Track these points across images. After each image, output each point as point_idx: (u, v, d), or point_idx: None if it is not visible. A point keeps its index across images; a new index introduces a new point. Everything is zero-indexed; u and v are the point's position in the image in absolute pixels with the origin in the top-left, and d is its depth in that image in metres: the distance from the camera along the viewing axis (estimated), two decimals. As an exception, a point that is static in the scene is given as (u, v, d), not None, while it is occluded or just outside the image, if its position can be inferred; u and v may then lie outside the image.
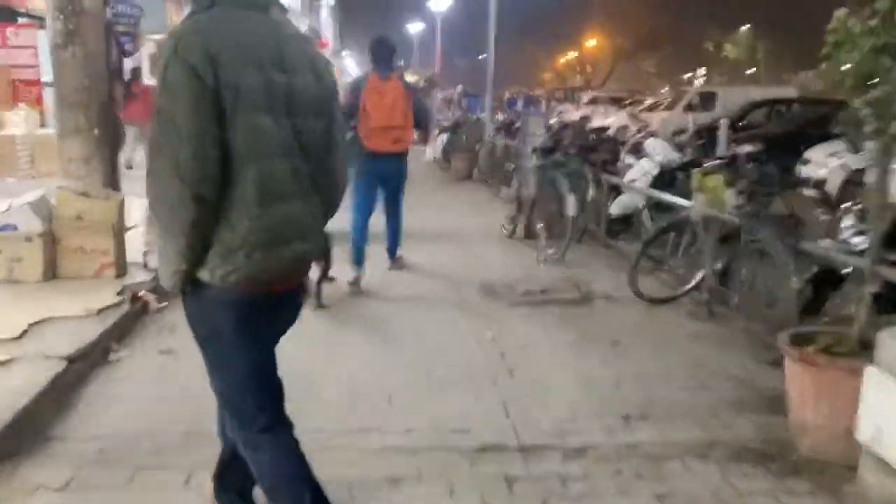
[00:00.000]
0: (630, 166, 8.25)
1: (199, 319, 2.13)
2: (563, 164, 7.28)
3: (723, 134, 13.36)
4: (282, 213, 2.01)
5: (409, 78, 12.83)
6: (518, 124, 17.00)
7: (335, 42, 30.29)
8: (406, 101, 5.66)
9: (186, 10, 2.11)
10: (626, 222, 8.00)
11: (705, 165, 6.18)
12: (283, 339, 2.31)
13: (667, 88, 61.90)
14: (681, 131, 16.83)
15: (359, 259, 5.80)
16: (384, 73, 5.63)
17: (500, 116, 20.57)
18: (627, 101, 28.32)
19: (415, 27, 32.91)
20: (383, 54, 5.72)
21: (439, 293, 5.90)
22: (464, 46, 44.56)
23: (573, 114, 28.74)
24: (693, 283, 5.67)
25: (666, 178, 7.68)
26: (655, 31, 51.47)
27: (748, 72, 67.17)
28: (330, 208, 2.30)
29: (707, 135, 14.46)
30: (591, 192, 7.25)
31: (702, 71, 71.50)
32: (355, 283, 5.71)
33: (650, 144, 8.12)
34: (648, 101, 29.76)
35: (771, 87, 22.64)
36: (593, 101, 30.27)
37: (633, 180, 7.78)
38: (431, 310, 5.43)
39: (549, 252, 6.94)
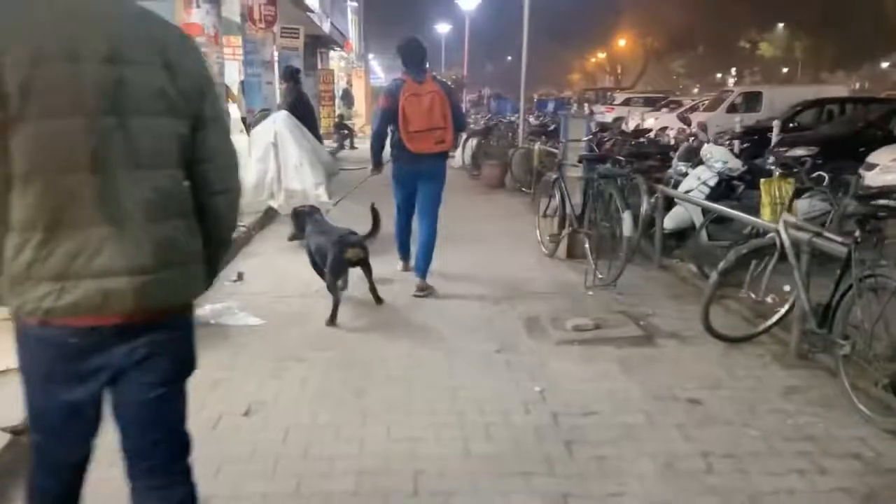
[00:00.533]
0: (683, 174, 7.36)
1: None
2: (614, 176, 6.38)
3: (775, 136, 12.30)
4: (73, 243, 1.66)
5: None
6: (552, 127, 16.24)
7: (359, 44, 29.51)
8: (444, 101, 5.53)
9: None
10: (680, 238, 7.12)
11: (778, 174, 5.27)
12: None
13: (697, 88, 60.92)
14: (724, 134, 16.02)
15: (405, 253, 6.29)
16: (418, 76, 5.53)
17: (531, 119, 19.73)
18: (663, 102, 27.25)
19: (442, 28, 32.12)
20: (415, 57, 5.62)
21: (474, 324, 5.08)
22: (490, 49, 43.72)
23: (606, 115, 27.96)
24: (776, 317, 4.76)
25: (723, 188, 6.81)
26: (688, 31, 50.45)
27: (784, 70, 65.92)
28: (211, 232, 1.89)
29: (754, 137, 13.55)
30: (644, 206, 6.34)
31: (733, 71, 70.40)
32: (405, 270, 6.21)
33: (708, 150, 7.19)
34: (687, 102, 28.80)
35: (820, 86, 21.44)
36: (627, 102, 29.21)
37: (689, 191, 6.88)
38: (467, 349, 4.60)
39: (599, 277, 6.06)
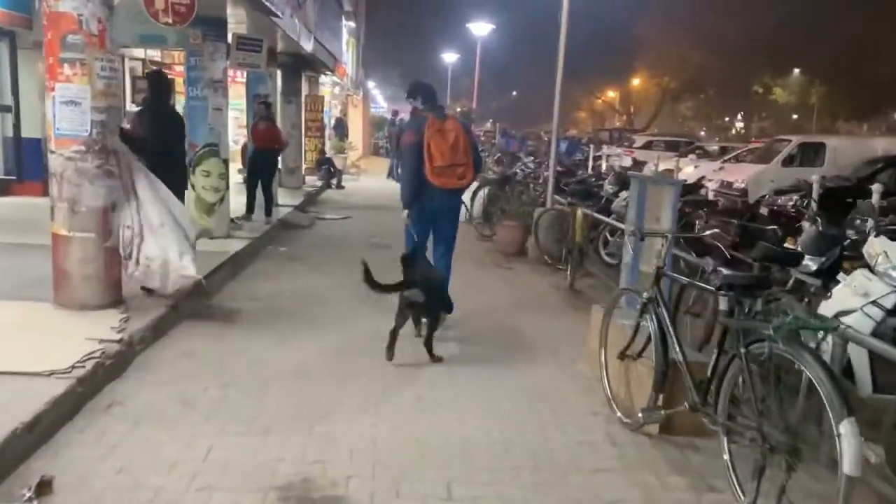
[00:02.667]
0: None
1: None
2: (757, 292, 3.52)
3: (875, 202, 9.34)
4: None
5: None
6: (581, 174, 13.51)
7: (356, 70, 26.89)
8: (466, 138, 5.62)
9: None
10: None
11: None
12: None
13: (704, 132, 58.82)
14: (782, 192, 13.25)
15: None
16: (440, 114, 5.68)
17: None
18: (689, 147, 24.64)
19: (449, 57, 29.61)
20: (432, 97, 5.87)
21: None
22: (495, 83, 41.23)
23: (625, 159, 25.32)
24: None
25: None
26: (704, 72, 48.47)
27: (793, 117, 64.35)
28: None
29: (829, 199, 10.84)
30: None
31: (739, 115, 68.65)
32: None
33: (878, 247, 4.35)
34: (713, 147, 26.17)
35: (888, 138, 18.75)
36: (648, 146, 26.59)
37: (844, 312, 4.03)
38: None
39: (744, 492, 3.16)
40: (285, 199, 12.62)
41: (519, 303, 6.89)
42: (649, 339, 3.82)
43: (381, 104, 44.44)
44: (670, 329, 3.67)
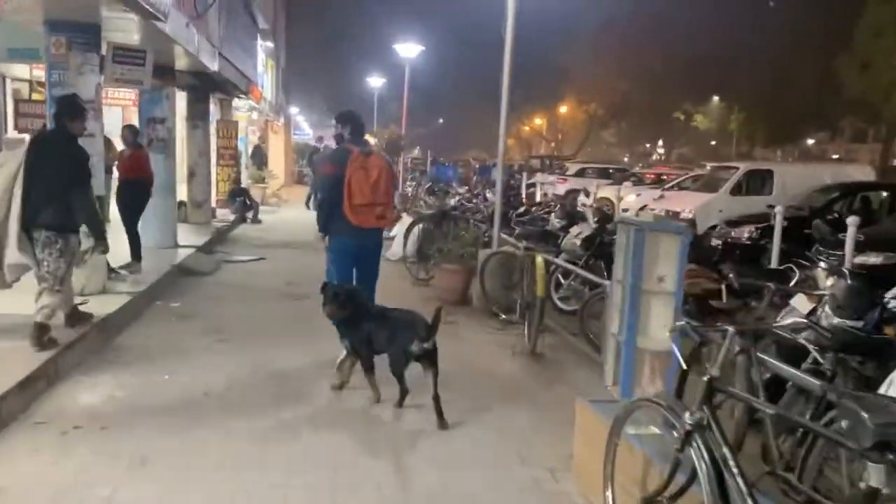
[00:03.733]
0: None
1: None
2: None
3: (850, 237, 8.42)
4: None
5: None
6: (523, 209, 12.33)
7: (276, 94, 25.24)
8: (389, 177, 5.48)
9: None
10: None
11: None
12: None
13: (627, 158, 59.39)
14: (734, 223, 12.44)
15: None
16: (365, 147, 5.49)
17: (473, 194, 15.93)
18: (624, 175, 23.97)
19: (376, 82, 28.26)
20: (362, 130, 5.65)
21: None
22: (424, 108, 40.07)
23: (558, 187, 24.47)
24: None
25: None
26: (628, 99, 48.89)
27: (712, 143, 66.08)
28: None
29: (796, 232, 10.00)
30: None
31: (660, 142, 70.10)
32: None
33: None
34: (647, 175, 25.62)
35: (835, 165, 18.37)
36: (581, 174, 25.84)
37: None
38: None
39: None
40: (188, 238, 10.93)
41: (467, 374, 5.49)
42: (691, 478, 2.49)
43: (307, 131, 42.68)
44: (734, 467, 2.33)
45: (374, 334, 4.69)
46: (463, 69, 46.96)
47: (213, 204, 15.75)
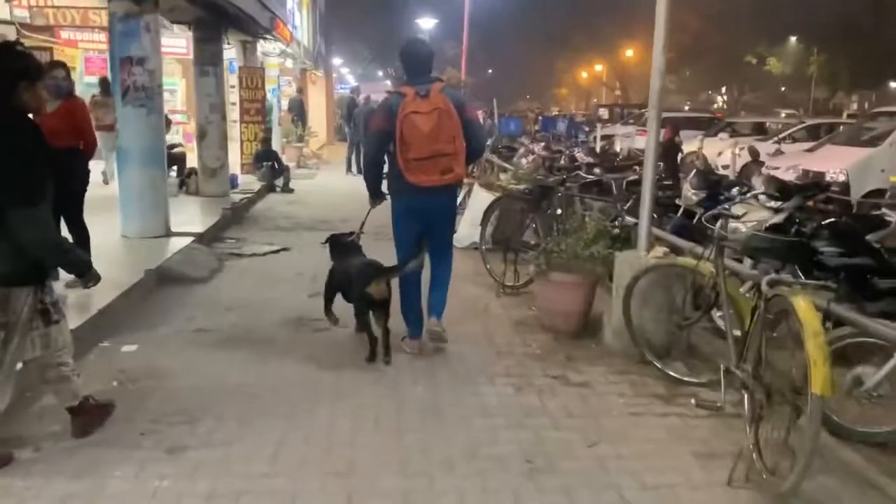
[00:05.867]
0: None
1: None
2: None
3: None
4: None
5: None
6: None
7: (314, 40, 22.24)
8: (453, 120, 4.25)
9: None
10: None
11: None
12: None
13: (687, 106, 55.17)
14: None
15: (417, 327, 4.68)
16: (422, 87, 4.26)
17: (537, 148, 12.85)
18: (722, 126, 20.44)
19: (426, 23, 25.03)
20: (418, 63, 4.42)
21: None
22: (480, 50, 36.18)
23: (638, 140, 21.09)
24: None
25: None
26: (701, 41, 44.56)
27: (782, 89, 61.57)
28: None
29: None
30: None
31: (723, 89, 65.52)
32: (415, 350, 4.61)
33: None
34: (743, 125, 21.91)
35: None
36: (664, 124, 22.34)
37: None
38: None
39: None
40: (189, 221, 8.22)
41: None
42: None
43: (351, 84, 39.72)
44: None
45: (340, 278, 4.73)
46: (522, 6, 43.04)
47: (238, 170, 13.09)
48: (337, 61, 37.50)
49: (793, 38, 52.28)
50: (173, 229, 7.53)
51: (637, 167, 9.42)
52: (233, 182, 11.40)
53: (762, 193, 5.19)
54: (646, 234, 4.59)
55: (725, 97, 68.40)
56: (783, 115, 30.41)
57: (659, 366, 4.25)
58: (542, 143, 13.49)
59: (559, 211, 5.87)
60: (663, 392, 4.06)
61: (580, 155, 10.67)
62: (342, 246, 4.92)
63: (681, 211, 6.54)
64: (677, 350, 4.45)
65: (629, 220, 5.27)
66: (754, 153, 13.63)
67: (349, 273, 4.59)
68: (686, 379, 4.12)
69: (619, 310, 4.50)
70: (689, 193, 6.59)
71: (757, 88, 61.90)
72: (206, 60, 10.44)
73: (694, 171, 8.34)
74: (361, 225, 5.02)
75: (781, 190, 5.54)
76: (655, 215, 5.44)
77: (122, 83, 7.10)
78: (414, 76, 4.40)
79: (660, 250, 4.55)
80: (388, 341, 4.44)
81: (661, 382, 4.18)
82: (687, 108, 44.38)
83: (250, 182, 12.39)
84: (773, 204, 5.40)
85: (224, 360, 4.41)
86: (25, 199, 2.89)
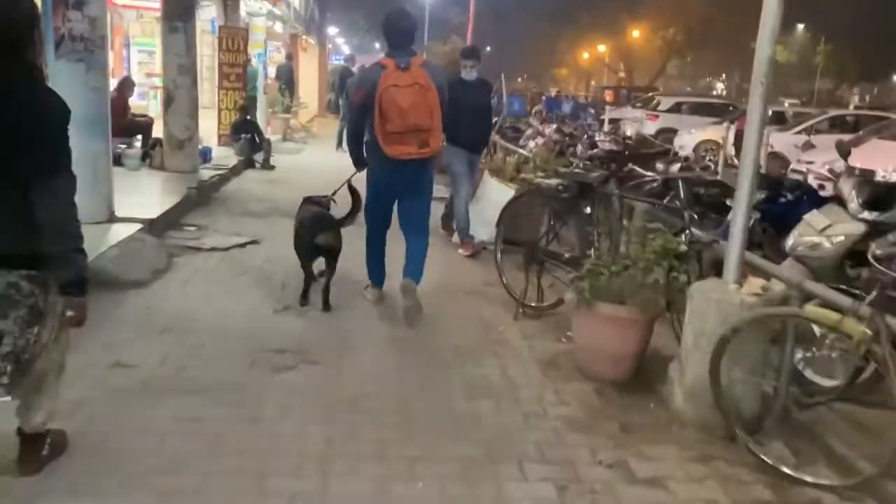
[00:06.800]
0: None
1: None
2: None
3: None
4: None
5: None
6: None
7: (304, 4, 20.66)
8: (432, 93, 4.31)
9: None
10: None
11: None
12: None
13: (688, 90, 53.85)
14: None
15: (378, 278, 4.94)
16: (402, 60, 4.29)
17: (545, 129, 11.71)
18: (740, 112, 19.15)
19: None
20: (399, 35, 4.44)
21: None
22: (493, 21, 34.03)
23: (647, 125, 19.79)
24: None
25: None
26: (707, 25, 43.12)
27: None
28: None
29: None
30: None
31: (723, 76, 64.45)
32: (375, 300, 4.91)
33: None
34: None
35: None
36: (677, 109, 21.07)
37: None
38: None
39: None
40: (141, 202, 6.85)
41: None
42: None
43: (343, 53, 38.00)
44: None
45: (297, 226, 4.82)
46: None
47: (214, 142, 11.72)
48: (332, 31, 35.81)
49: (800, 26, 51.12)
50: (119, 214, 6.17)
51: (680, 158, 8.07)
52: (205, 155, 10.02)
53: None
54: (737, 259, 3.30)
55: (725, 84, 67.28)
56: (786, 104, 29.39)
57: (758, 453, 2.99)
58: (553, 125, 12.15)
59: (603, 214, 4.55)
60: (771, 499, 2.80)
61: (603, 140, 9.36)
62: (311, 204, 5.04)
63: (731, 213, 5.29)
64: (771, 421, 3.20)
65: (700, 234, 3.98)
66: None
67: (303, 223, 4.75)
68: (807, 479, 2.86)
69: (697, 365, 3.23)
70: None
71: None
72: (175, 15, 8.99)
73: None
74: (335, 192, 5.13)
75: (880, 196, 4.33)
76: (695, 216, 4.19)
77: (56, 31, 5.70)
78: (395, 48, 4.39)
79: (755, 283, 3.28)
80: (327, 294, 4.66)
81: (762, 478, 2.92)
82: (688, 91, 43.12)
83: (226, 156, 11.00)
84: (866, 214, 4.20)
85: (139, 421, 3.10)
86: (60, 161, 2.36)
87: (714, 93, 61.48)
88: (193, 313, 4.47)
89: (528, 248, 4.75)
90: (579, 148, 9.66)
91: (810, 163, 11.66)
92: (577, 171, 4.40)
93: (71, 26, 5.73)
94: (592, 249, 4.35)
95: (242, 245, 6.27)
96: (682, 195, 4.10)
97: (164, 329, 4.16)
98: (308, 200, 5.08)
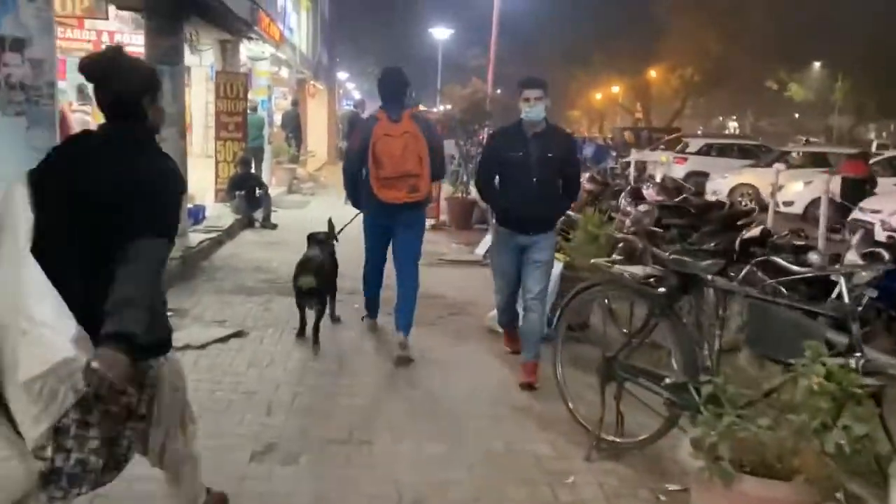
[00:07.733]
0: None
1: None
2: None
3: None
4: None
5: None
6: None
7: (314, 46, 19.76)
8: (420, 144, 4.71)
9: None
10: None
11: None
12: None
13: (700, 131, 52.94)
14: None
15: (373, 310, 5.49)
16: (394, 113, 4.79)
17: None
18: (777, 156, 17.91)
19: (441, 33, 22.66)
20: (392, 91, 4.92)
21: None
22: (515, 58, 33.13)
23: (675, 169, 18.54)
24: None
25: None
26: (722, 65, 42.25)
27: (795, 116, 60.25)
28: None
29: None
30: None
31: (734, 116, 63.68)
32: (371, 328, 5.47)
33: None
34: (795, 154, 19.27)
35: None
36: (706, 151, 19.87)
37: None
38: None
39: None
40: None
41: None
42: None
43: (354, 98, 37.33)
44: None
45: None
46: (528, 26, 40.44)
47: (211, 199, 10.59)
48: (343, 76, 35.17)
49: (817, 64, 50.31)
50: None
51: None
52: (196, 215, 8.84)
53: None
54: None
55: (737, 123, 66.46)
56: (803, 142, 28.41)
57: None
58: (586, 174, 10.93)
59: (714, 319, 3.22)
60: None
61: (649, 192, 8.11)
62: (314, 243, 5.32)
63: (837, 291, 3.93)
64: None
65: (877, 357, 2.66)
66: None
67: (297, 264, 5.07)
68: None
69: None
70: (855, 257, 4.10)
71: (773, 115, 60.14)
72: (160, 58, 7.88)
73: (861, 230, 5.81)
74: (341, 230, 5.67)
75: None
76: (798, 304, 2.87)
77: (-10, 79, 4.55)
78: (388, 102, 4.86)
79: None
80: (317, 333, 4.96)
81: None
82: (700, 132, 42.00)
83: (221, 215, 9.81)
84: None
85: None
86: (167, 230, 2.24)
87: (726, 131, 60.63)
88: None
89: (604, 362, 3.44)
90: (622, 201, 8.44)
91: (876, 211, 10.38)
92: (676, 257, 3.12)
93: (8, 72, 4.57)
94: (703, 372, 3.02)
95: (224, 339, 4.99)
96: (845, 297, 2.79)
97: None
98: (311, 238, 5.40)
